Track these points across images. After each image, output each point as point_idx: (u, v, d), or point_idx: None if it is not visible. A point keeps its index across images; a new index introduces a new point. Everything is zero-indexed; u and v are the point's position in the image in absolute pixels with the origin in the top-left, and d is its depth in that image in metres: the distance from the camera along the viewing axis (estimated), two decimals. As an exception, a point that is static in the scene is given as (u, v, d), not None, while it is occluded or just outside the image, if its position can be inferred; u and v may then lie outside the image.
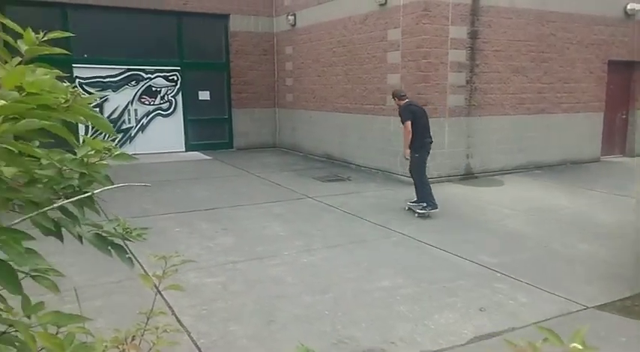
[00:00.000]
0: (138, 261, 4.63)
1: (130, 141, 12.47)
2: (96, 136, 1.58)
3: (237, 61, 13.30)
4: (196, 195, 8.29)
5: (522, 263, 5.24)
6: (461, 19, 8.93)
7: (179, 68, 12.75)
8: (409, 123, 6.78)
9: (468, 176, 9.52)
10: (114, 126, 12.08)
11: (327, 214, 7.20)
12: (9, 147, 1.07)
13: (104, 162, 1.51)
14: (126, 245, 1.47)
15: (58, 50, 1.44)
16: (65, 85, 1.26)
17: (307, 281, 4.73)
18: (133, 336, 1.68)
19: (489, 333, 3.77)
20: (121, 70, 12.16)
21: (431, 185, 7.11)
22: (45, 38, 1.31)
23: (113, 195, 7.36)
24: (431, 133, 7.07)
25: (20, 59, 1.35)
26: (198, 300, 4.23)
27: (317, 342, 3.64)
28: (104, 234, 1.46)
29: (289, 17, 12.50)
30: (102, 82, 12.00)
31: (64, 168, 1.46)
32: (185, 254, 5.37)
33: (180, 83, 12.84)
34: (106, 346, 1.50)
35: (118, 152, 1.52)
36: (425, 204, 6.93)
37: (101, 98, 11.94)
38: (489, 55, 9.36)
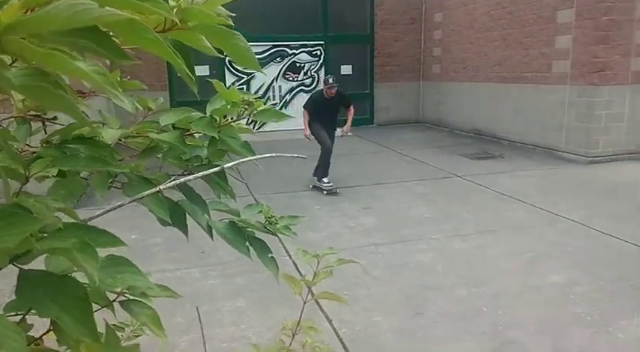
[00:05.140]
0: (284, 246, 4.46)
1: (274, 117, 12.70)
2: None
3: (382, 32, 12.75)
4: (336, 171, 8.06)
5: None
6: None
7: (323, 42, 12.60)
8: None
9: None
10: (260, 103, 12.37)
11: (477, 195, 6.48)
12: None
13: (243, 122, 1.12)
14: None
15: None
16: None
17: (460, 272, 4.17)
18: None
19: None
20: (268, 47, 12.37)
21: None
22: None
23: (249, 173, 7.26)
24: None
25: None
26: (340, 284, 3.93)
27: (474, 344, 3.13)
28: (240, 225, 1.08)
29: (440, -20, 11.60)
30: (250, 59, 12.30)
31: (190, 131, 1.09)
32: (325, 232, 5.18)
33: (324, 58, 12.72)
34: None
35: (262, 107, 1.11)
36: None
37: (248, 75, 12.30)
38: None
